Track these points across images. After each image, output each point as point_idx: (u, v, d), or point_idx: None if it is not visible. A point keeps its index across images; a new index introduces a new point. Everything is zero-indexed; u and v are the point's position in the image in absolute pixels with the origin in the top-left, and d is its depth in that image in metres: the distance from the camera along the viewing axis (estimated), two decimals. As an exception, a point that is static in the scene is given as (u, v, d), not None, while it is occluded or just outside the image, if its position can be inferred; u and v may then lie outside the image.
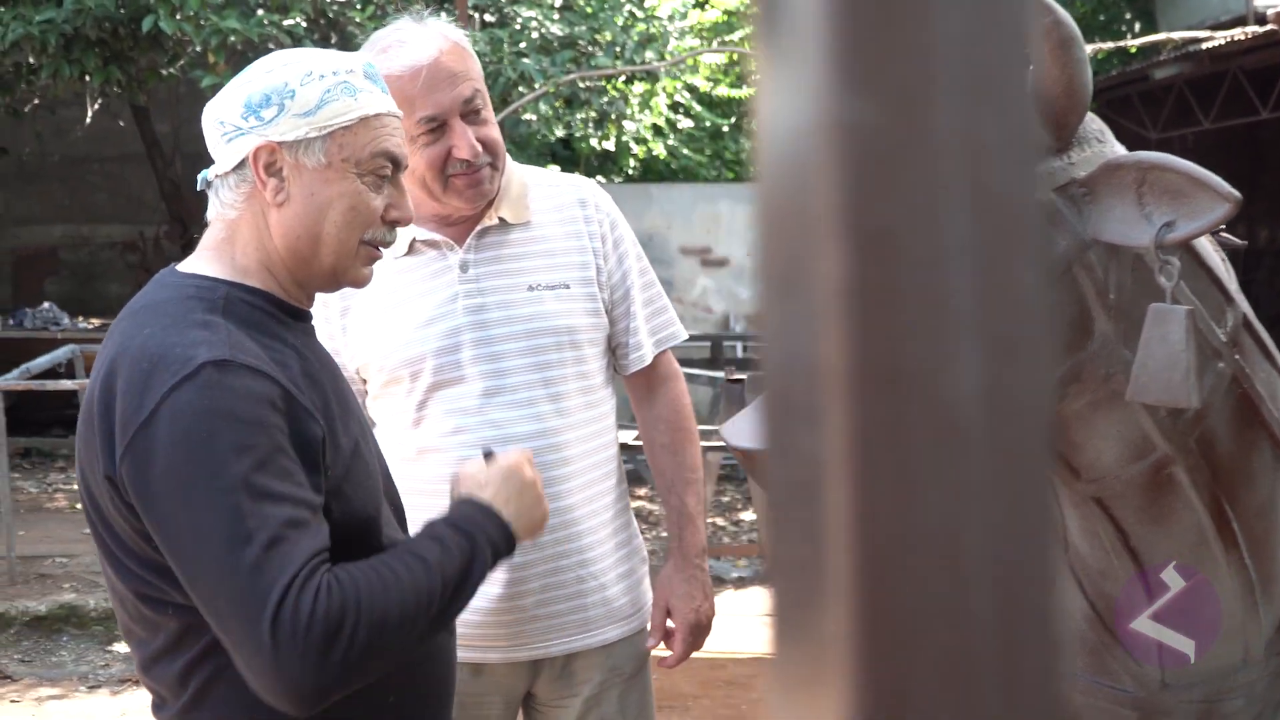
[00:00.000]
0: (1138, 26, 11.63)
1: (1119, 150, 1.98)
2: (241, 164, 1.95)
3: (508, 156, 2.77)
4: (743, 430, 1.87)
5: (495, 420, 2.65)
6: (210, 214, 2.03)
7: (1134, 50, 9.79)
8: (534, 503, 2.12)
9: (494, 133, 2.67)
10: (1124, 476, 2.05)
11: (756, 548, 8.25)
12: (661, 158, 14.65)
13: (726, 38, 14.42)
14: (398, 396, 2.70)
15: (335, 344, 2.73)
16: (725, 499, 9.71)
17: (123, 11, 7.79)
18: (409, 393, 2.68)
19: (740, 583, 7.88)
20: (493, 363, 2.66)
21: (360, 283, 2.08)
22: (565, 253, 2.76)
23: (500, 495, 2.08)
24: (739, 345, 10.51)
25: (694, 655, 2.88)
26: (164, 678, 1.94)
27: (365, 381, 2.76)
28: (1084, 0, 11.57)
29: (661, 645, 2.87)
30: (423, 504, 2.67)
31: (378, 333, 2.69)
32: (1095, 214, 1.87)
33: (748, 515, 9.51)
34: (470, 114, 2.62)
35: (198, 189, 2.04)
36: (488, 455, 2.18)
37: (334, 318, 2.73)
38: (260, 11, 7.49)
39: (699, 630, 2.84)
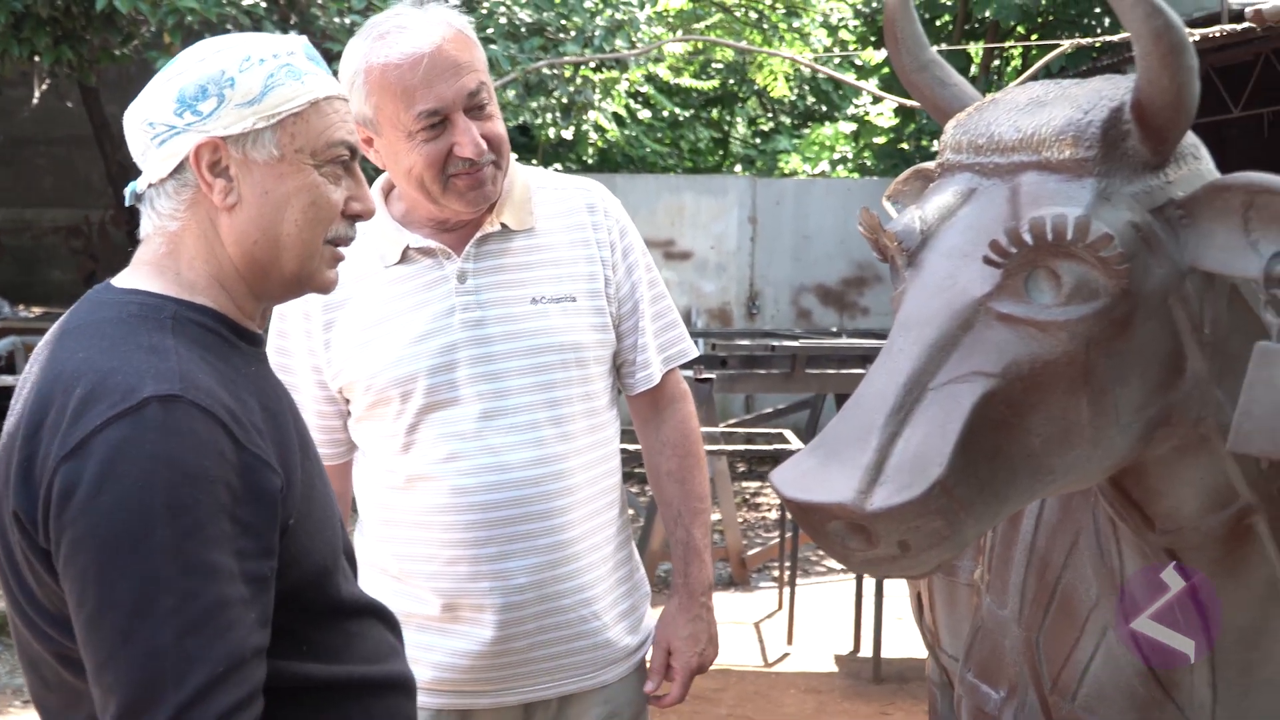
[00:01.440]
0: (1107, 21, 11.49)
1: (1213, 168, 1.78)
2: (180, 167, 1.72)
3: (511, 157, 2.54)
4: (797, 480, 1.64)
5: (493, 446, 2.43)
6: (145, 229, 1.77)
7: (1099, 46, 9.64)
8: None
9: (499, 128, 2.45)
10: (1203, 527, 1.85)
11: (721, 551, 8.05)
12: (621, 145, 14.49)
13: (693, 26, 14.24)
14: (385, 419, 2.47)
15: (317, 360, 2.50)
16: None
17: (76, -12, 7.51)
18: (398, 415, 2.46)
19: (705, 587, 7.67)
20: (492, 382, 2.44)
21: (326, 287, 1.84)
22: (572, 262, 2.54)
23: None
24: (702, 341, 10.31)
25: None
26: None
27: (348, 402, 2.53)
28: (1055, -5, 11.42)
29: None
30: (412, 536, 2.47)
31: (365, 349, 2.47)
32: (1193, 239, 1.67)
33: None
34: (474, 109, 2.40)
35: (127, 204, 1.80)
36: None
37: (316, 331, 2.50)
38: (218, -10, 7.21)
39: (699, 673, 2.65)
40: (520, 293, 2.48)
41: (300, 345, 2.52)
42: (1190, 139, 1.75)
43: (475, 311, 2.46)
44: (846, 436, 1.65)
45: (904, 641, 6.38)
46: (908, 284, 1.76)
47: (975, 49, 12.59)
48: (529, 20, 8.39)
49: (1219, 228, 1.65)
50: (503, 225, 2.50)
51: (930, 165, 2.00)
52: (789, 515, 7.10)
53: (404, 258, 2.49)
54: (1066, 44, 8.61)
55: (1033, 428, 1.65)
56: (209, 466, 1.56)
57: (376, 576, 2.50)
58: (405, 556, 2.50)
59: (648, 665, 2.67)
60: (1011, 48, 11.98)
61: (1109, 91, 1.70)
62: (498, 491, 2.42)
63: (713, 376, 7.54)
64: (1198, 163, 1.75)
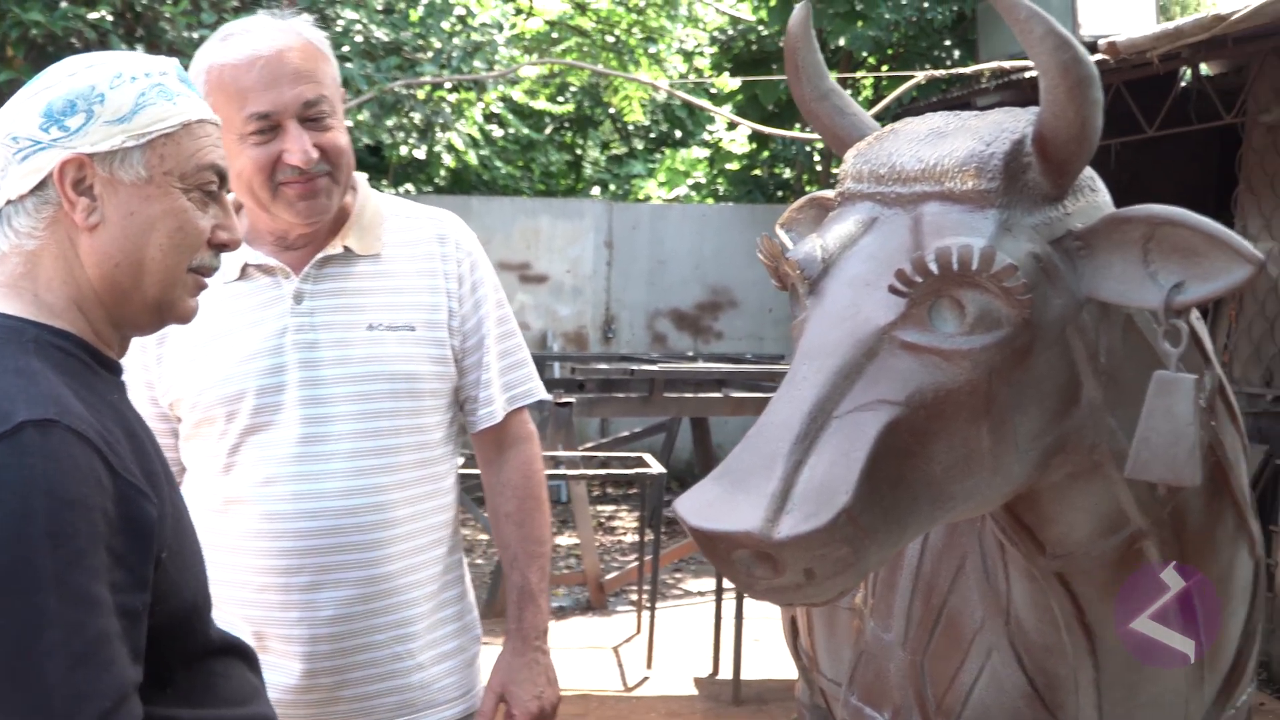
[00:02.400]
0: (957, 54, 11.72)
1: (1109, 201, 1.81)
2: (43, 184, 1.65)
3: (367, 184, 2.50)
4: (702, 510, 1.62)
5: (309, 472, 2.37)
6: (0, 248, 1.70)
7: (949, 78, 9.83)
8: None
9: (338, 140, 2.39)
10: (1094, 552, 1.88)
11: (579, 575, 8.02)
12: (474, 167, 14.39)
13: (550, 49, 14.22)
14: (209, 439, 2.41)
15: (149, 375, 2.44)
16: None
17: (-84, -1, 7.25)
18: (221, 435, 2.40)
19: (561, 613, 7.63)
20: (316, 407, 2.39)
21: (187, 317, 1.79)
22: (414, 291, 2.49)
23: None
24: (557, 365, 10.28)
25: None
26: None
27: (179, 420, 2.46)
28: (906, 26, 11.61)
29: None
30: (228, 562, 2.38)
31: (196, 365, 2.40)
32: (1090, 270, 1.69)
33: (565, 540, 9.28)
34: (311, 119, 2.34)
35: None
36: None
37: (150, 345, 2.43)
38: (65, 4, 7.01)
39: (544, 718, 2.58)
40: (356, 318, 2.43)
41: (134, 360, 2.44)
42: (1087, 172, 1.77)
43: (309, 334, 2.41)
44: (751, 465, 1.64)
45: (763, 663, 6.42)
46: (809, 313, 1.75)
47: (827, 78, 12.73)
48: (385, 40, 8.30)
49: (1117, 259, 1.67)
50: (346, 248, 2.46)
51: (826, 194, 2.01)
52: (648, 538, 7.11)
53: (242, 274, 2.44)
54: (920, 75, 8.77)
55: (935, 455, 1.65)
56: (88, 494, 1.50)
57: None
58: (220, 583, 2.39)
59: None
60: (864, 78, 12.17)
61: (1010, 124, 1.72)
62: (311, 519, 2.36)
63: (572, 400, 7.53)
64: (1095, 195, 1.78)
